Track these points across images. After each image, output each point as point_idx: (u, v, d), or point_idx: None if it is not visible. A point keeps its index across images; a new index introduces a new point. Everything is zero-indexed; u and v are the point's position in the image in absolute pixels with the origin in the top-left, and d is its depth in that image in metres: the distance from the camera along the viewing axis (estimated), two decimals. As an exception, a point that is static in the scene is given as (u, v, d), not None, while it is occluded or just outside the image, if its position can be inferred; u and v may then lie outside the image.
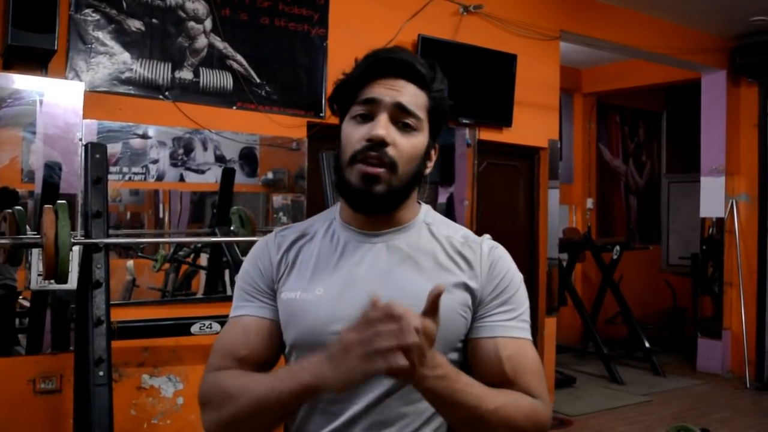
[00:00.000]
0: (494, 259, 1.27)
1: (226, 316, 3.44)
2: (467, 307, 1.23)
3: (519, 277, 1.30)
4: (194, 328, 3.12)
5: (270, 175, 4.04)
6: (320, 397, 1.18)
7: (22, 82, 3.26)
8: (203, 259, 4.01)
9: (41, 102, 3.30)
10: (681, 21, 6.21)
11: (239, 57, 3.84)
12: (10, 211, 2.96)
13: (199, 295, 3.92)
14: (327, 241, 1.29)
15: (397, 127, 1.21)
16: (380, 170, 1.18)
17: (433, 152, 1.30)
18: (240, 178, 3.90)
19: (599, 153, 8.21)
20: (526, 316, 1.27)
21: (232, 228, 3.84)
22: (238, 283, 1.35)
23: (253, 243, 4.09)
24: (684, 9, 5.87)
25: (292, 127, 3.99)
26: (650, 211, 8.73)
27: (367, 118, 1.21)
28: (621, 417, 5.29)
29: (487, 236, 1.33)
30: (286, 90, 3.99)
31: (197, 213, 3.95)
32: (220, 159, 3.83)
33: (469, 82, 4.80)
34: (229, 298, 4.17)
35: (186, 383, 3.59)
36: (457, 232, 1.32)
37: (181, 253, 3.92)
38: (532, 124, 5.27)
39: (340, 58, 4.07)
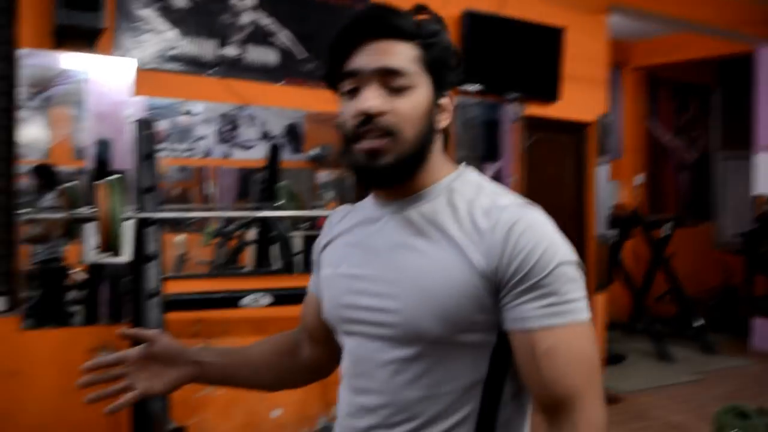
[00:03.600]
0: (513, 232, 1.04)
1: (275, 290, 3.51)
2: (477, 288, 1.05)
3: (557, 250, 1.05)
4: (244, 301, 3.17)
5: (315, 151, 4.05)
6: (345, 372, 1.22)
7: (72, 60, 3.32)
8: (251, 234, 4.05)
9: (90, 80, 3.36)
10: (734, -9, 6.04)
11: (284, 32, 3.85)
12: (64, 187, 3.03)
13: (248, 269, 3.97)
14: (357, 216, 1.26)
15: (390, 91, 1.10)
16: (381, 142, 1.09)
17: (447, 101, 1.16)
18: (285, 154, 3.92)
19: (649, 128, 8.05)
20: (573, 294, 1.05)
21: (279, 203, 3.88)
22: None
23: (299, 218, 4.15)
24: (738, -22, 5.71)
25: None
26: (702, 188, 8.54)
27: (355, 91, 1.12)
28: (671, 395, 5.22)
29: (517, 202, 1.11)
30: (331, 65, 3.98)
31: (243, 189, 3.99)
32: (265, 135, 3.86)
33: (515, 56, 4.75)
34: (276, 272, 4.22)
35: (236, 356, 3.65)
36: (486, 198, 1.12)
37: (229, 228, 3.97)
38: (581, 98, 5.19)
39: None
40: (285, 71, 3.84)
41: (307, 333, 1.39)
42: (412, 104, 1.10)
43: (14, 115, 3.24)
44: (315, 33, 3.93)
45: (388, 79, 1.10)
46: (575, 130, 5.41)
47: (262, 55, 3.79)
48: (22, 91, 3.21)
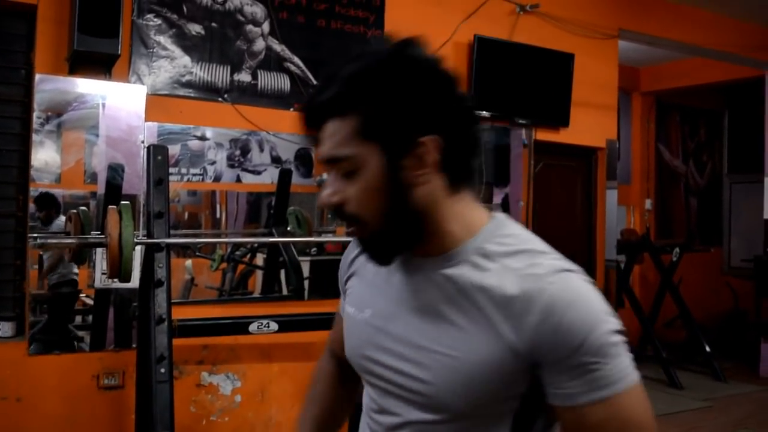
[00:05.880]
0: (554, 313, 0.94)
1: (283, 316, 3.50)
2: (508, 364, 0.97)
3: (598, 324, 0.95)
4: (252, 327, 3.16)
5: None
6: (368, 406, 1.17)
7: (87, 86, 3.35)
8: (259, 259, 4.05)
9: (104, 105, 3.39)
10: (743, 17, 6.04)
11: (296, 59, 3.88)
12: (75, 211, 3.05)
13: (256, 295, 3.97)
14: None
15: (343, 176, 1.01)
16: (351, 229, 1.05)
17: (422, 150, 0.98)
18: (295, 179, 3.94)
19: (658, 153, 8.04)
20: (617, 361, 0.95)
21: (288, 228, 3.88)
22: None
23: (308, 243, 4.14)
24: (746, 4, 5.71)
25: (347, 128, 4.00)
26: (711, 213, 8.51)
27: None
28: (680, 423, 5.17)
29: (554, 267, 0.99)
30: (342, 92, 4.00)
31: (253, 213, 4.00)
32: (276, 160, 3.88)
33: (525, 82, 4.76)
34: (285, 298, 4.22)
35: (244, 381, 3.65)
36: (520, 261, 1.00)
37: (237, 252, 3.98)
38: (590, 124, 5.20)
39: (395, 59, 4.07)
40: (296, 97, 3.86)
41: (339, 355, 1.31)
42: (362, 188, 1.00)
43: (29, 141, 3.26)
44: (326, 60, 3.95)
45: (336, 166, 1.01)
46: (584, 155, 5.41)
47: (274, 82, 3.82)
48: (37, 116, 3.24)
